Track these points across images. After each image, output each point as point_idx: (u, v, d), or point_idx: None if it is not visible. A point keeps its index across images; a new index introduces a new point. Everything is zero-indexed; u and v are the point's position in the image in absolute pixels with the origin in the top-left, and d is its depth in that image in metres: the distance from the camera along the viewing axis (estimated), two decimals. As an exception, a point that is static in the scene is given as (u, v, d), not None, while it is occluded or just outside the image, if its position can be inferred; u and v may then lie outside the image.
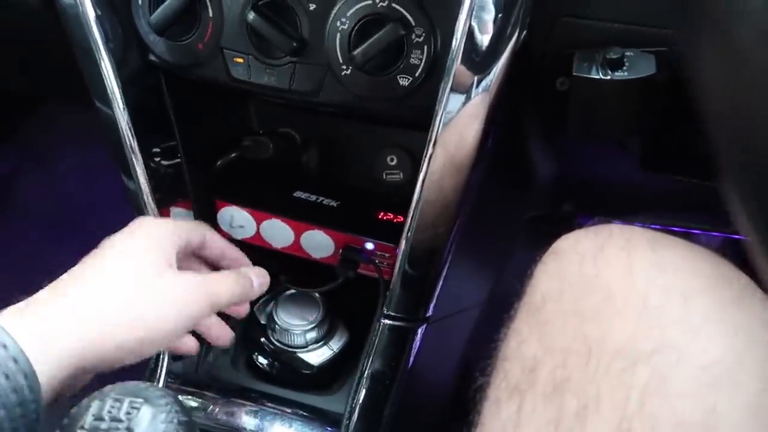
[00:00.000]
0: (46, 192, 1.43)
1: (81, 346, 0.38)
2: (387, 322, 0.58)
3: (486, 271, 0.77)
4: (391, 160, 0.72)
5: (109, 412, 0.35)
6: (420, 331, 0.59)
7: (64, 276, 0.42)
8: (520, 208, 0.75)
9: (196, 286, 0.45)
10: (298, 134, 0.74)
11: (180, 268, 0.47)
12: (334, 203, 0.68)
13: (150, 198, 0.62)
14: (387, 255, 0.65)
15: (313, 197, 0.68)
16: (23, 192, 1.41)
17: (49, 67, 0.81)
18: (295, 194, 0.68)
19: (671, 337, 0.32)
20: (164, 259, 0.44)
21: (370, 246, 0.65)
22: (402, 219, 0.68)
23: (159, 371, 0.65)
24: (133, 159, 0.60)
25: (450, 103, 0.48)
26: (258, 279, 0.52)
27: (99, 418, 0.35)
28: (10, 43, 0.74)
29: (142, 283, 0.42)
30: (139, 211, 0.64)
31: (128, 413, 0.35)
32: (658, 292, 0.33)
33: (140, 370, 0.70)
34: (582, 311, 0.34)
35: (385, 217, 0.68)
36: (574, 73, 0.47)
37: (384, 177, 0.72)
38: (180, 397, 0.61)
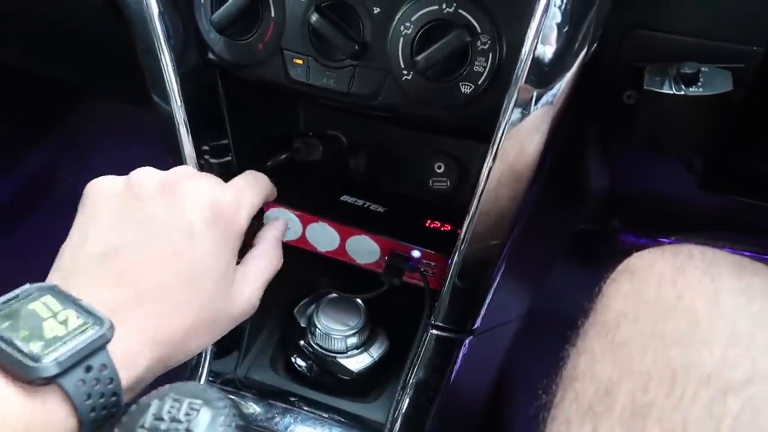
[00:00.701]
0: (85, 186, 1.45)
1: (161, 354, 0.39)
2: (434, 332, 0.57)
3: (528, 284, 0.76)
4: (439, 167, 0.71)
5: (169, 412, 0.35)
6: (466, 342, 0.58)
7: (147, 268, 0.40)
8: (568, 221, 0.74)
9: (256, 278, 0.47)
10: (345, 137, 0.74)
11: None
12: (381, 209, 0.67)
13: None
14: (433, 264, 0.64)
15: (360, 202, 0.68)
16: (61, 185, 1.44)
17: (102, 61, 0.82)
18: (342, 198, 0.68)
19: (764, 368, 0.30)
20: (235, 250, 0.45)
21: (416, 254, 0.64)
22: (450, 228, 0.67)
23: (201, 369, 0.65)
24: (187, 155, 0.60)
25: (514, 114, 0.47)
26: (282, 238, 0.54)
27: (159, 417, 0.35)
28: (68, 36, 0.75)
29: (221, 287, 0.43)
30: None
31: (188, 414, 0.35)
32: (747, 321, 0.32)
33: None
34: (663, 335, 0.33)
35: (432, 225, 0.67)
36: (646, 87, 0.46)
37: (431, 184, 0.72)
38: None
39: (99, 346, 0.34)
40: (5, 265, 1.31)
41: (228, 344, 0.70)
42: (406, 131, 0.71)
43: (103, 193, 0.44)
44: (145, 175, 0.45)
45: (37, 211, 1.39)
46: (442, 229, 0.67)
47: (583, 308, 0.42)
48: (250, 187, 0.50)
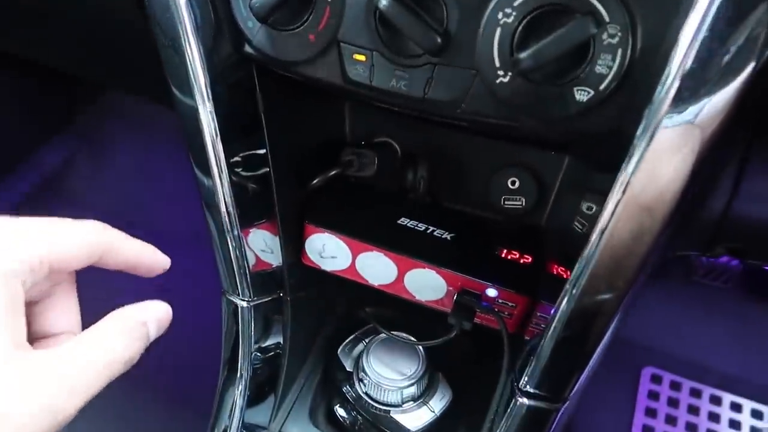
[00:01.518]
0: (100, 184, 1.37)
1: None
2: (525, 401, 0.46)
3: (618, 317, 0.64)
4: (513, 183, 0.60)
5: None
6: (562, 410, 0.47)
7: None
8: (672, 246, 0.62)
9: (70, 373, 0.29)
10: (399, 145, 0.62)
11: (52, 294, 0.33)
12: (446, 235, 0.56)
13: (234, 215, 0.51)
14: (511, 304, 0.53)
15: (422, 226, 0.56)
16: (76, 183, 1.36)
17: (125, 56, 0.72)
18: (399, 221, 0.56)
19: None
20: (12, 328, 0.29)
21: (492, 293, 0.53)
22: (530, 260, 0.55)
23: (231, 421, 0.54)
24: (216, 165, 0.49)
25: (655, 136, 0.35)
26: (156, 323, 0.34)
27: None
28: (88, 29, 0.65)
29: None
30: (218, 225, 0.53)
31: None
32: None
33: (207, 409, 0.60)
34: None
35: (509, 257, 0.55)
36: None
37: (502, 203, 0.60)
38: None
39: None
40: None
41: (264, 389, 0.59)
42: (473, 137, 0.60)
43: None
44: None
45: (52, 208, 1.31)
46: (521, 261, 0.55)
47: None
48: (43, 224, 0.33)
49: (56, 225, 0.33)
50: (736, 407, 1.01)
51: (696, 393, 1.03)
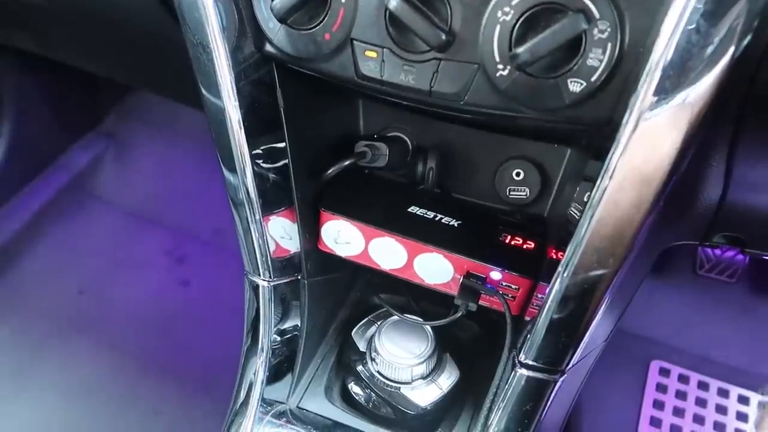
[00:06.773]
0: (126, 182, 1.43)
1: None
2: (524, 372, 0.49)
3: (618, 307, 0.67)
4: (517, 174, 0.63)
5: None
6: (559, 382, 0.50)
7: None
8: (665, 235, 0.64)
9: None
10: (410, 139, 0.66)
11: None
12: (454, 222, 0.59)
13: (256, 203, 0.55)
14: (514, 287, 0.56)
15: (431, 214, 0.60)
16: (103, 182, 1.41)
17: (151, 57, 0.77)
18: (409, 209, 0.60)
19: None
20: None
21: (496, 275, 0.56)
22: (534, 245, 0.58)
23: (250, 398, 0.58)
24: (241, 158, 0.53)
25: (639, 124, 0.39)
26: None
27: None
28: (116, 30, 0.69)
29: None
30: (241, 212, 0.57)
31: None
32: None
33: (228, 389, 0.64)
34: None
35: (513, 242, 0.58)
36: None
37: (507, 193, 0.63)
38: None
39: None
40: (49, 262, 1.28)
41: (282, 367, 0.63)
42: (480, 132, 0.63)
43: None
44: None
45: (81, 205, 1.37)
46: (524, 246, 0.58)
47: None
48: None
49: None
50: (744, 400, 1.03)
51: (704, 386, 1.05)
